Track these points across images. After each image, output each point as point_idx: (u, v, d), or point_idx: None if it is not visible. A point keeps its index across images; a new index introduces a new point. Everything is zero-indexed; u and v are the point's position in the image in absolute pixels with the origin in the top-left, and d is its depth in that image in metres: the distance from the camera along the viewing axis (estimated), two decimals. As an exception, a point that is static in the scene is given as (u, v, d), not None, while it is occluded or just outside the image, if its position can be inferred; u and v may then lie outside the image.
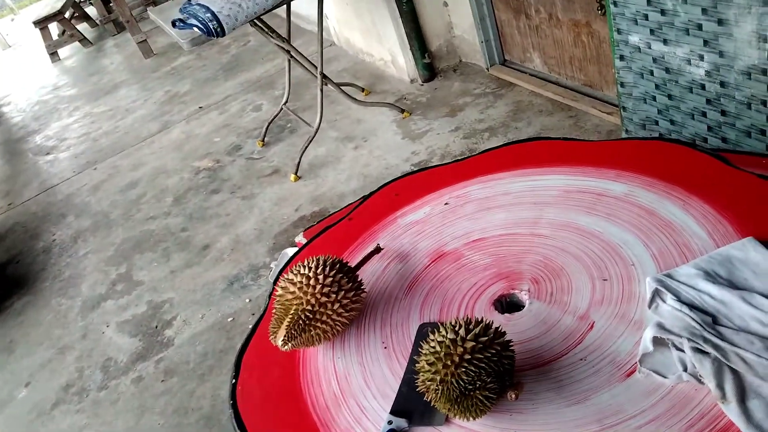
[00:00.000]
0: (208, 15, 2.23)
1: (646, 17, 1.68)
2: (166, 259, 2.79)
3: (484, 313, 0.96)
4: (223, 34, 2.24)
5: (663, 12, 1.61)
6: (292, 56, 3.10)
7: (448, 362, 0.75)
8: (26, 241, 3.36)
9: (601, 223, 1.04)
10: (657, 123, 1.88)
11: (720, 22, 1.47)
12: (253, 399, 0.97)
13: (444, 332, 0.79)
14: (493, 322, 0.81)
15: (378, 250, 1.13)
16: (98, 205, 3.46)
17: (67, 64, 6.66)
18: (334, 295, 0.94)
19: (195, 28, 2.24)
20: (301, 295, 0.94)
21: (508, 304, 0.99)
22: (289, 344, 0.93)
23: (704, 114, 1.69)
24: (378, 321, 1.02)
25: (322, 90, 2.91)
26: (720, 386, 0.71)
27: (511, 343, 0.81)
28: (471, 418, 0.77)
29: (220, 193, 3.10)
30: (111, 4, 6.29)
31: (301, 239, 1.70)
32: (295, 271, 0.98)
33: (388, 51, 3.42)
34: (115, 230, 3.15)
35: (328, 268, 0.97)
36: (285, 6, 2.84)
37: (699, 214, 0.98)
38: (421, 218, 1.22)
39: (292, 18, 3.09)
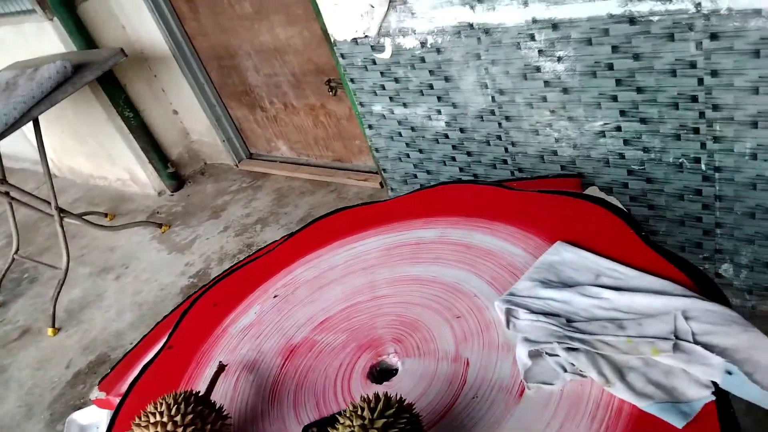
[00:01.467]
0: None
1: (383, 87, 1.86)
2: None
3: (362, 388, 0.92)
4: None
5: (397, 80, 1.81)
6: (13, 198, 2.71)
7: (367, 450, 0.70)
8: None
9: (432, 267, 1.09)
10: (416, 176, 2.08)
11: (447, 79, 1.70)
12: None
13: (349, 422, 0.73)
14: (388, 393, 0.78)
15: (222, 368, 1.01)
16: None
17: None
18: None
19: None
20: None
21: (381, 372, 0.96)
22: None
23: (453, 158, 1.91)
24: (252, 444, 0.90)
25: (62, 225, 2.58)
26: (600, 373, 0.79)
27: (414, 405, 0.78)
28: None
29: (-44, 380, 2.50)
30: None
31: (98, 395, 1.44)
32: (143, 423, 0.82)
33: (124, 169, 3.21)
34: None
35: (183, 405, 0.83)
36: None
37: (508, 235, 1.09)
38: (254, 320, 1.13)
39: (-1, 157, 2.71)
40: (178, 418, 0.81)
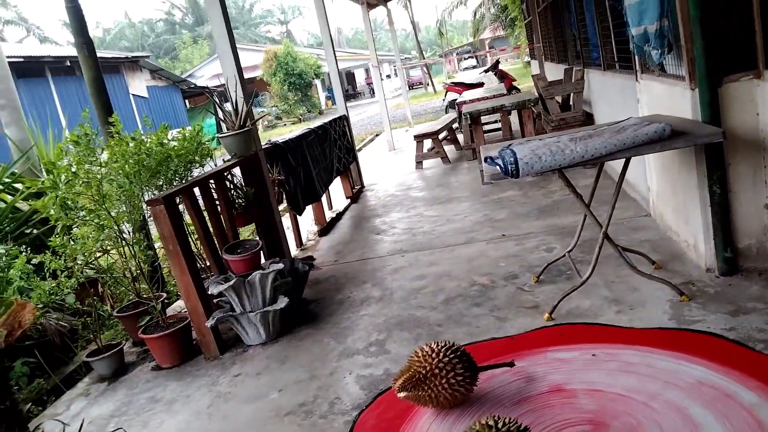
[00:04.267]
0: (512, 159, 2.67)
1: None
2: (414, 342, 3.21)
3: (557, 442, 1.09)
4: (517, 177, 2.65)
5: None
6: (589, 211, 3.34)
7: None
8: (332, 291, 4.22)
9: (709, 418, 1.05)
10: None
11: None
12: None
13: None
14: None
15: (511, 364, 1.32)
16: (391, 283, 4.15)
17: (426, 173, 8.04)
18: (445, 372, 1.19)
19: (497, 167, 2.71)
20: (422, 360, 1.21)
21: (582, 446, 1.08)
22: (402, 393, 1.21)
23: None
24: (476, 417, 1.22)
25: (600, 248, 3.06)
26: None
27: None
28: None
29: (481, 307, 3.44)
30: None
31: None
32: (429, 343, 1.26)
33: (692, 234, 3.37)
34: (392, 306, 3.75)
35: (450, 352, 1.22)
36: (598, 167, 3.13)
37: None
38: (568, 358, 1.36)
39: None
40: (441, 354, 1.22)
